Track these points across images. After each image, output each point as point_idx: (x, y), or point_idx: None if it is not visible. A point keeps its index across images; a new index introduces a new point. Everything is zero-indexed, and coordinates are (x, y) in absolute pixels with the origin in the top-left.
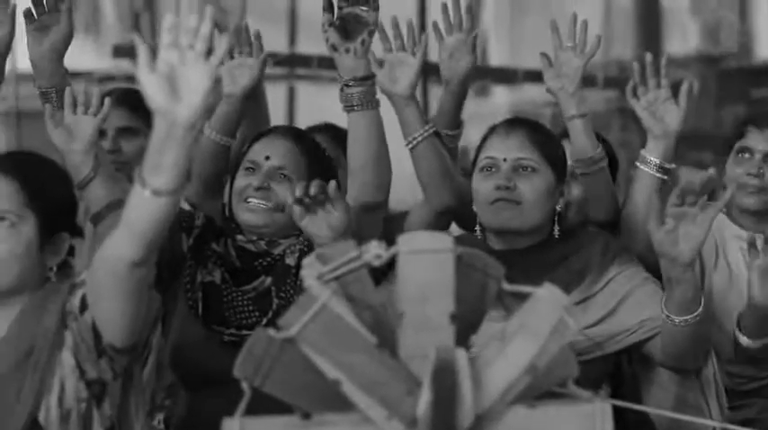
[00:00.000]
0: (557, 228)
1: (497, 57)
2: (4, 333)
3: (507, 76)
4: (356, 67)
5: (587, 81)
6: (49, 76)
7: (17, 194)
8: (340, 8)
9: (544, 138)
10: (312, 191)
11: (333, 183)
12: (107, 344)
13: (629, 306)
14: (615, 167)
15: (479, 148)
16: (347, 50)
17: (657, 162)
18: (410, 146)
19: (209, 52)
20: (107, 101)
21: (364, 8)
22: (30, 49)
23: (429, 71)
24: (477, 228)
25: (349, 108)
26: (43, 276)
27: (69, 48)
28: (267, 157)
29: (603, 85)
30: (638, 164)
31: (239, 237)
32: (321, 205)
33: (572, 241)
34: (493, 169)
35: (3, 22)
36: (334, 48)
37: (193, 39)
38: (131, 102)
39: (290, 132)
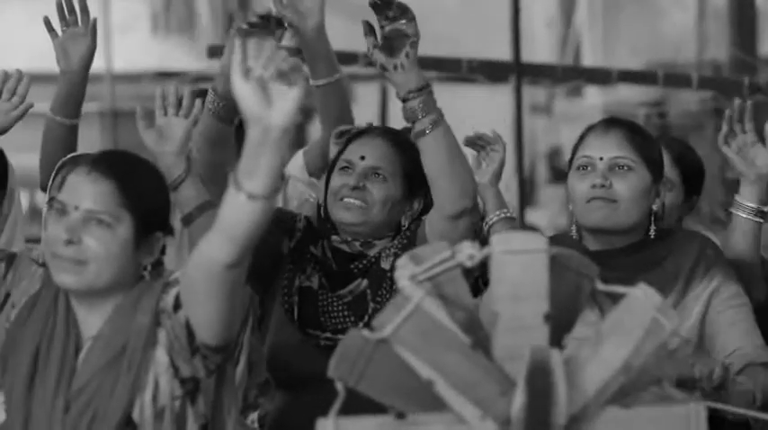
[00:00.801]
0: (653, 228)
1: (590, 57)
2: (99, 330)
3: (600, 77)
4: (408, 81)
5: (681, 81)
6: (79, 88)
7: (114, 195)
8: (382, 27)
9: (641, 137)
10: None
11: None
12: (201, 342)
13: (721, 331)
14: (701, 179)
15: (576, 148)
16: (395, 67)
17: (754, 207)
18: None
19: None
20: (197, 102)
21: (402, 21)
22: (59, 61)
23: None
24: (573, 227)
25: (414, 121)
26: (137, 275)
27: (165, 47)
28: (362, 157)
29: (698, 86)
30: (733, 210)
31: (334, 237)
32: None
33: (668, 242)
34: (589, 168)
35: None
36: (383, 68)
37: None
38: None
39: (386, 133)
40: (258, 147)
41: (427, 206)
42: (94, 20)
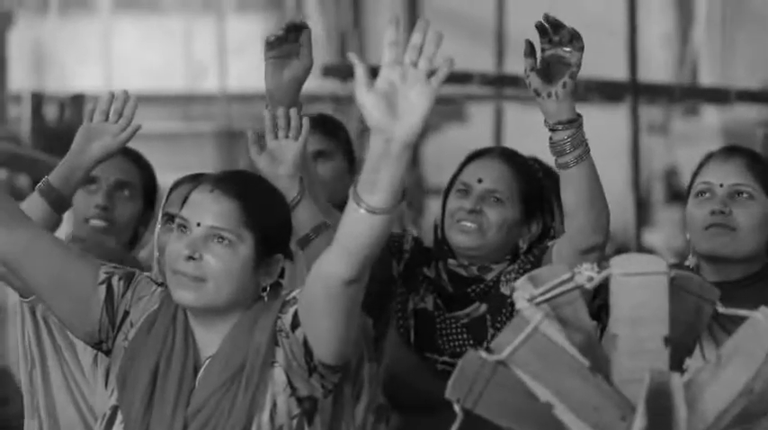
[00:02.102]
0: None
1: (708, 75)
2: (217, 349)
3: (718, 96)
4: (560, 111)
5: None
6: (286, 108)
7: (237, 214)
8: (543, 50)
9: (762, 166)
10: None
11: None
12: (318, 361)
13: None
14: None
15: (695, 174)
16: (549, 95)
17: None
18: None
19: (432, 72)
20: (306, 122)
21: (567, 49)
22: (268, 79)
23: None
24: (690, 256)
25: (560, 154)
26: (256, 296)
27: None
28: (480, 180)
29: None
30: None
31: (451, 260)
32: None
33: None
34: (708, 194)
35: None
36: (536, 93)
37: (417, 56)
38: (324, 125)
39: (503, 154)
40: (379, 160)
41: (546, 229)
42: (309, 31)
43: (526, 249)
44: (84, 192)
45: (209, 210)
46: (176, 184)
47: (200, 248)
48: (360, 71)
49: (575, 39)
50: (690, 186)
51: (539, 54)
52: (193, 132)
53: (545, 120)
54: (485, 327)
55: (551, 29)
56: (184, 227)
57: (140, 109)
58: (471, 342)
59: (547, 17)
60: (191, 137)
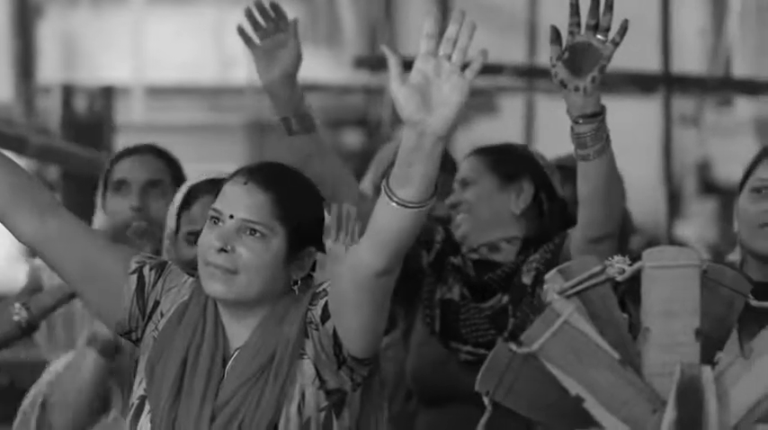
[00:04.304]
0: None
1: (741, 67)
2: (246, 341)
3: (751, 88)
4: (585, 105)
5: None
6: (286, 103)
7: (270, 207)
8: (572, 33)
9: None
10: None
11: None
12: (347, 353)
13: None
14: None
15: (752, 168)
16: (576, 89)
17: None
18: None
19: (465, 65)
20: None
21: (602, 38)
22: (261, 75)
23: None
24: (737, 251)
25: (581, 146)
26: (287, 288)
27: (309, 59)
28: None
29: None
30: None
31: (462, 249)
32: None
33: None
34: (764, 191)
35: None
36: (563, 84)
37: (451, 49)
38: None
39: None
40: (412, 153)
41: (538, 186)
42: (295, 22)
43: (544, 232)
44: (117, 197)
45: (242, 203)
46: (193, 192)
47: (233, 240)
48: (393, 63)
49: (619, 30)
50: (744, 180)
51: (567, 40)
52: (223, 124)
53: (568, 111)
54: (506, 317)
55: (592, 7)
56: (217, 219)
57: (170, 101)
58: (493, 332)
59: None
60: (220, 129)
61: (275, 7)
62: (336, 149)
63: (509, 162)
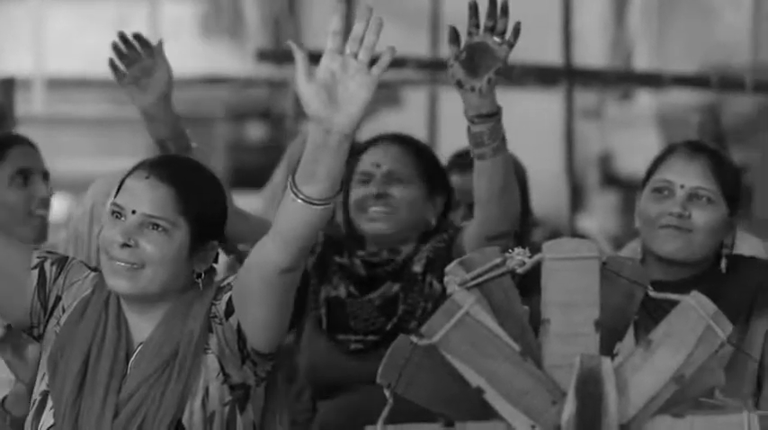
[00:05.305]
0: (724, 261)
1: (643, 60)
2: (150, 336)
3: (653, 81)
4: (481, 105)
5: (736, 85)
6: (165, 125)
7: (172, 201)
8: (470, 34)
9: (725, 169)
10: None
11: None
12: (251, 348)
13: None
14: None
15: (654, 166)
16: (472, 89)
17: None
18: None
19: (372, 62)
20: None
21: (498, 40)
22: (137, 101)
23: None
24: (637, 246)
25: (477, 145)
26: (190, 282)
27: (213, 52)
28: (378, 165)
29: (753, 90)
30: None
31: (360, 252)
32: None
33: (730, 273)
34: (666, 192)
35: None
36: (459, 84)
37: (358, 47)
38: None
39: (397, 138)
40: (317, 150)
41: (449, 203)
42: (160, 44)
43: (436, 228)
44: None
45: (144, 198)
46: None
47: (136, 235)
48: (300, 59)
49: (513, 33)
50: (647, 178)
51: (465, 40)
52: (124, 117)
53: (465, 111)
54: (396, 305)
55: (489, 10)
56: (119, 214)
57: (72, 93)
58: (382, 318)
59: None
60: (122, 122)
61: (138, 36)
62: (240, 142)
63: (436, 174)
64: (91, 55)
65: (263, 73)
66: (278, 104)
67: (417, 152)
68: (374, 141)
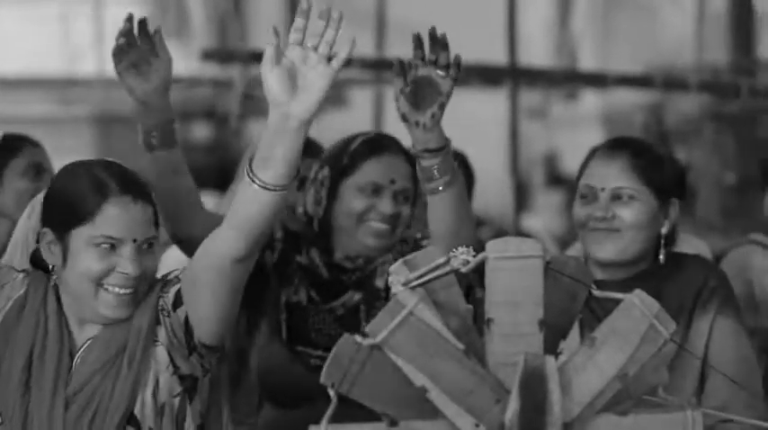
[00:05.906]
0: (663, 252)
1: (587, 60)
2: (99, 331)
3: (597, 81)
4: (428, 140)
5: (680, 85)
6: (160, 113)
7: (154, 218)
8: (414, 66)
9: (645, 161)
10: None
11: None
12: (198, 340)
13: (711, 374)
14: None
15: (581, 172)
16: (416, 124)
17: None
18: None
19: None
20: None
21: (441, 73)
22: (135, 89)
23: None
24: (579, 246)
25: (428, 180)
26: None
27: None
28: (393, 181)
29: (696, 90)
30: None
31: (338, 255)
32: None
33: (673, 271)
34: (589, 197)
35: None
36: (404, 118)
37: (318, 41)
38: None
39: (401, 149)
40: (275, 136)
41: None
42: (159, 30)
43: (400, 240)
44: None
45: (139, 224)
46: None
47: (141, 261)
48: (268, 49)
49: (452, 65)
50: (577, 182)
51: (410, 74)
52: (70, 117)
53: (413, 145)
54: (358, 319)
55: (431, 44)
56: (113, 245)
57: (17, 93)
58: (343, 333)
59: (433, 31)
60: (68, 121)
61: (140, 22)
62: (185, 142)
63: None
64: (36, 54)
65: (207, 73)
66: (222, 104)
67: (413, 164)
68: (377, 150)
